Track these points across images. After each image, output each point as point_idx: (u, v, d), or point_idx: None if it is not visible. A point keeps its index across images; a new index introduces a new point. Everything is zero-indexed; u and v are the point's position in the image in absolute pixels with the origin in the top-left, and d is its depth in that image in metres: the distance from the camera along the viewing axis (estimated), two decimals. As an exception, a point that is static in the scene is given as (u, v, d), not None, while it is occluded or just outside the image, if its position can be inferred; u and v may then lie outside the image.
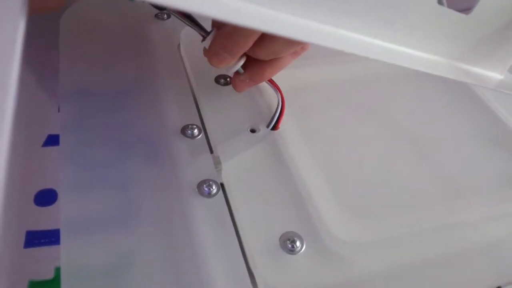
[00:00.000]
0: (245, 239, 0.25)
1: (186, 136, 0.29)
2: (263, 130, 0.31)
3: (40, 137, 0.33)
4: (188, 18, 0.28)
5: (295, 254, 0.24)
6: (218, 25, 0.28)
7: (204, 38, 0.28)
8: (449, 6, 0.23)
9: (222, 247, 0.24)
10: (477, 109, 0.36)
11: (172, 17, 0.38)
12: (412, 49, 0.24)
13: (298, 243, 0.25)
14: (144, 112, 0.30)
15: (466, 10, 0.24)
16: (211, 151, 0.29)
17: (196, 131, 0.29)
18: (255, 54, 0.28)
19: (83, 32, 0.35)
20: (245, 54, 0.28)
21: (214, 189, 0.26)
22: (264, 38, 0.26)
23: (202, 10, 0.16)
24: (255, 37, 0.26)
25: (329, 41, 0.20)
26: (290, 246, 0.25)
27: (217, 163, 0.28)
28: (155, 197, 0.26)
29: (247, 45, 0.27)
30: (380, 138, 0.32)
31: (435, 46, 0.24)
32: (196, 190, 0.26)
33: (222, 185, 0.27)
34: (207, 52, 0.28)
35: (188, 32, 0.37)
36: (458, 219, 0.28)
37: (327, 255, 0.25)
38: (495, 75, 0.28)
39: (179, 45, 0.36)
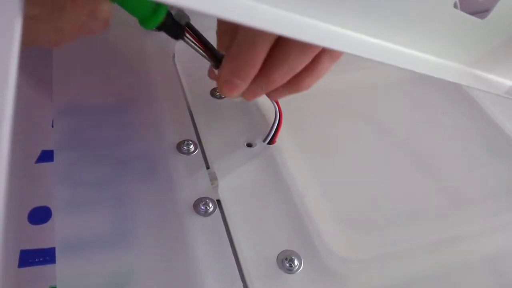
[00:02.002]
0: (243, 258, 0.25)
1: (182, 152, 0.29)
2: (259, 145, 0.30)
3: (34, 153, 0.33)
4: (203, 43, 0.26)
5: (293, 273, 0.24)
6: (225, 49, 0.26)
7: (217, 65, 0.26)
8: (463, 10, 0.23)
9: (219, 267, 0.24)
10: (476, 116, 0.36)
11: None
12: (426, 54, 0.23)
13: (296, 262, 0.24)
14: (139, 127, 0.30)
15: (480, 12, 0.23)
16: (208, 167, 0.29)
17: (192, 147, 0.29)
18: (272, 79, 0.26)
19: (77, 46, 0.34)
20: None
21: (210, 207, 0.26)
22: (275, 55, 0.25)
23: (214, 10, 0.15)
24: (264, 53, 0.24)
25: (342, 45, 0.20)
26: (288, 265, 0.24)
27: (213, 179, 0.28)
28: (151, 216, 0.25)
29: (256, 64, 0.25)
30: (379, 149, 0.32)
31: (449, 51, 0.24)
32: (193, 208, 0.26)
33: (218, 201, 0.27)
34: (218, 83, 0.26)
35: (183, 44, 0.36)
36: (458, 232, 0.28)
37: (325, 273, 0.25)
38: (506, 82, 0.28)
39: (174, 56, 0.36)
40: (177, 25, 0.24)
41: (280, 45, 0.25)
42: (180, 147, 0.29)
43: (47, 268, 0.28)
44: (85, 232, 0.25)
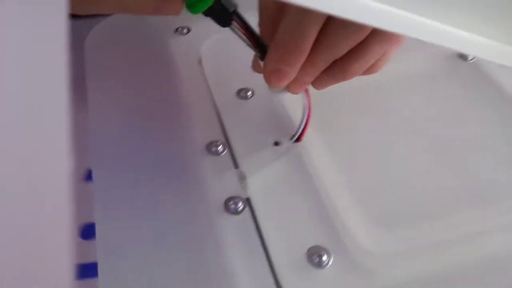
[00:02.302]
0: (273, 254, 0.26)
1: (211, 153, 0.30)
2: (286, 143, 0.31)
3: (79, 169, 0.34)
4: (250, 32, 0.25)
5: (322, 268, 0.25)
6: (268, 38, 0.26)
7: (262, 55, 0.26)
8: None
9: (250, 263, 0.25)
10: (503, 104, 0.35)
11: (193, 30, 0.39)
12: (477, 35, 0.22)
13: (325, 257, 0.25)
14: (169, 131, 0.31)
15: None
16: (236, 166, 0.30)
17: (220, 147, 0.30)
18: (318, 64, 0.25)
19: (108, 55, 0.36)
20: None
21: (240, 205, 0.27)
22: (321, 39, 0.24)
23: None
24: (313, 37, 0.24)
25: (386, 23, 0.18)
26: (317, 260, 0.25)
27: (243, 178, 0.29)
28: (184, 218, 0.27)
29: (305, 48, 0.24)
30: (405, 145, 0.32)
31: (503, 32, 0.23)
32: (223, 207, 0.27)
33: (248, 200, 0.28)
34: (264, 73, 0.25)
35: (208, 46, 0.37)
36: (486, 227, 0.28)
37: (354, 268, 0.25)
38: None
39: (200, 59, 0.37)
40: (225, 12, 0.23)
41: (326, 28, 0.24)
42: (209, 148, 0.30)
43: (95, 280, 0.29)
44: (125, 242, 0.26)
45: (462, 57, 0.38)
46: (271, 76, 0.25)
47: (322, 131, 0.32)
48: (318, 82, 0.28)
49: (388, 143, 0.32)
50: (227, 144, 0.31)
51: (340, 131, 0.33)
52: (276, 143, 0.31)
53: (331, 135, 0.32)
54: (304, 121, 0.30)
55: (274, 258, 0.25)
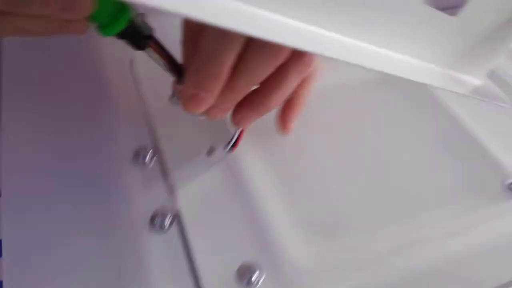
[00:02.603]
0: (201, 273, 0.24)
1: (139, 163, 0.28)
2: (220, 152, 0.29)
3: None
4: (167, 56, 0.24)
5: (253, 287, 0.24)
6: (190, 60, 0.25)
7: (180, 80, 0.25)
8: (438, 2, 0.22)
9: (175, 285, 0.23)
10: (440, 117, 0.36)
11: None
12: (398, 54, 0.22)
13: (256, 275, 0.24)
14: (93, 140, 0.29)
15: (454, 8, 0.23)
16: (166, 177, 0.28)
17: (148, 157, 0.28)
18: (237, 90, 0.24)
19: (27, 48, 0.33)
20: None
21: (168, 221, 0.25)
22: (239, 64, 0.24)
23: (183, 9, 0.14)
24: (229, 62, 0.23)
25: (306, 44, 0.18)
26: (247, 279, 0.24)
27: (172, 190, 0.27)
28: (104, 236, 0.24)
29: (223, 74, 0.23)
30: (341, 153, 0.31)
31: (420, 50, 0.23)
32: (149, 223, 0.25)
33: (177, 214, 0.26)
34: (181, 98, 0.24)
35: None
36: (422, 235, 0.28)
37: (286, 286, 0.24)
38: (474, 81, 0.27)
39: (131, 60, 0.35)
40: (140, 35, 0.22)
41: (243, 53, 0.24)
42: (136, 157, 0.28)
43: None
44: (34, 256, 0.24)
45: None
46: (189, 102, 0.24)
47: (258, 140, 0.31)
48: (244, 120, 0.27)
49: (325, 152, 0.31)
50: (157, 153, 0.29)
51: (275, 140, 0.31)
52: (210, 152, 0.29)
53: (267, 145, 0.31)
54: (238, 132, 0.29)
55: (201, 279, 0.24)
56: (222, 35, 0.23)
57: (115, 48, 0.35)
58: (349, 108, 0.35)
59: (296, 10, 0.17)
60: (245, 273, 0.24)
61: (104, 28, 0.21)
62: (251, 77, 0.24)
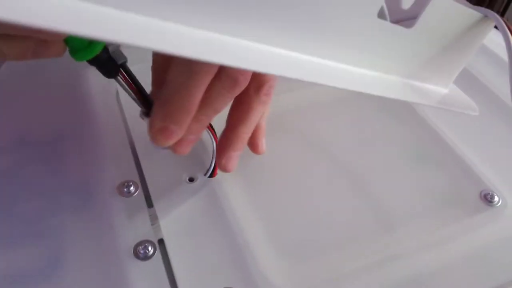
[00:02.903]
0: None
1: (123, 194, 0.29)
2: (201, 179, 0.31)
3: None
4: (136, 87, 0.24)
5: (232, 312, 0.25)
6: (155, 92, 0.25)
7: (148, 112, 0.25)
8: (392, 15, 0.23)
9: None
10: (417, 127, 0.36)
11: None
12: (353, 67, 0.22)
13: (235, 300, 0.25)
14: (77, 171, 0.30)
15: (409, 19, 0.23)
16: (150, 206, 0.29)
17: (132, 187, 0.29)
18: (200, 115, 0.24)
19: (16, 75, 0.34)
20: None
21: (150, 250, 0.27)
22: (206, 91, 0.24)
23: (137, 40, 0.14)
24: (199, 94, 0.23)
25: (257, 64, 0.18)
26: (227, 304, 0.25)
27: (154, 219, 0.28)
28: (88, 268, 0.26)
29: (191, 106, 0.23)
30: (319, 172, 0.32)
31: (378, 63, 0.23)
32: (133, 252, 0.26)
33: (160, 242, 0.28)
34: (149, 131, 0.24)
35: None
36: (397, 250, 0.28)
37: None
38: (441, 90, 0.28)
39: (117, 90, 0.36)
40: (112, 63, 0.22)
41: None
42: (120, 188, 0.29)
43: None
44: (14, 273, 0.25)
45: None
46: (158, 135, 0.23)
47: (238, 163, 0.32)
48: (230, 161, 0.28)
49: (304, 171, 0.32)
50: (141, 182, 0.30)
51: (255, 161, 0.32)
52: (191, 179, 0.31)
53: (246, 167, 0.32)
54: (215, 157, 0.30)
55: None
56: (189, 65, 0.23)
57: (100, 78, 0.36)
58: (326, 123, 0.36)
59: (245, 30, 0.17)
60: (225, 298, 0.25)
61: (77, 52, 0.21)
62: (216, 107, 0.25)
